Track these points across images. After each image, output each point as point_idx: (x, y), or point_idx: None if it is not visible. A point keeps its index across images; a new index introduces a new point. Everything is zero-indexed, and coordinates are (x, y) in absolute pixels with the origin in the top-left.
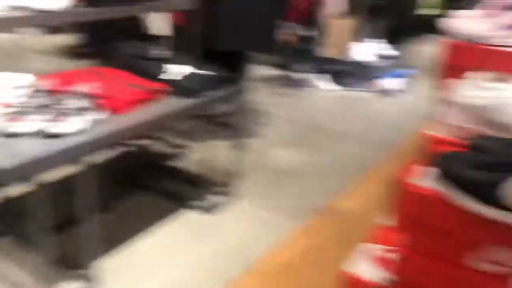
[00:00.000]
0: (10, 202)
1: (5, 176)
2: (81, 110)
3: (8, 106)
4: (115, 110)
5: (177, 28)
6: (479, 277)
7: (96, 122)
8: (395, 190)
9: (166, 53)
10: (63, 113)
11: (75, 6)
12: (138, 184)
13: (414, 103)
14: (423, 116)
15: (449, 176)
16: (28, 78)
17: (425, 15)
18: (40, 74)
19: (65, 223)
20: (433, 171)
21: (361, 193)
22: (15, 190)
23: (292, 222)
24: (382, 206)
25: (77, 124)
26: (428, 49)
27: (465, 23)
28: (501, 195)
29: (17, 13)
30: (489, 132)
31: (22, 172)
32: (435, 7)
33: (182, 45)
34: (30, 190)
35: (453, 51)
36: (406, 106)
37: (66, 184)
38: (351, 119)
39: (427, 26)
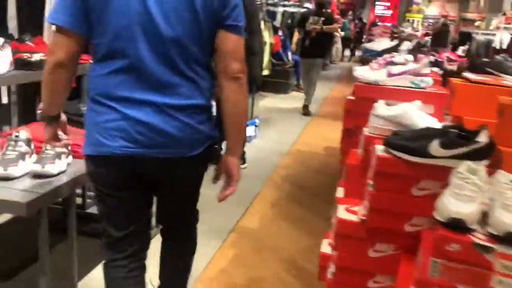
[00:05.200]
0: None
1: (24, 210)
2: (60, 155)
3: None
4: (80, 156)
5: None
6: (418, 200)
7: (70, 166)
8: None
9: None
10: (48, 158)
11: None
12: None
13: (267, 144)
14: (278, 153)
15: (394, 145)
16: None
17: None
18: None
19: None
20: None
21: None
22: None
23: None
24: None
25: (60, 167)
26: (264, 102)
27: (367, 73)
28: (427, 151)
29: None
30: (397, 129)
31: (34, 206)
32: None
33: None
34: None
35: (363, 89)
36: (262, 146)
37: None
38: None
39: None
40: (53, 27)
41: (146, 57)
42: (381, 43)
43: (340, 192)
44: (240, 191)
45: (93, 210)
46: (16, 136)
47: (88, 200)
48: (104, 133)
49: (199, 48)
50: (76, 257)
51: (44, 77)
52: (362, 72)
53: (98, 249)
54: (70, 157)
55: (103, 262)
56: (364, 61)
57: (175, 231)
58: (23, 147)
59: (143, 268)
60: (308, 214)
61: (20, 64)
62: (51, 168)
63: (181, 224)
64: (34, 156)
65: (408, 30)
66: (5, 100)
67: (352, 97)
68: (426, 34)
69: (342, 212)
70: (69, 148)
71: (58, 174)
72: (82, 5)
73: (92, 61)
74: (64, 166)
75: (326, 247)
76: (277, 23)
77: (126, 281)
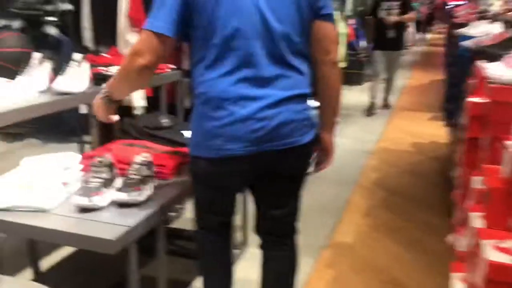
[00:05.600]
0: None
1: (111, 247)
2: (146, 179)
3: (66, 184)
4: (165, 177)
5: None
6: None
7: (156, 188)
8: None
9: (174, 121)
10: (132, 184)
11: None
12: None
13: (348, 143)
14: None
15: None
16: (74, 157)
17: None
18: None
19: None
20: None
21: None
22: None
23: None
24: None
25: (147, 192)
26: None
27: (506, 71)
28: None
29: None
30: None
31: (122, 242)
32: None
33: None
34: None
35: (502, 92)
36: (344, 145)
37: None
38: None
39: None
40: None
41: (259, 54)
42: (479, 27)
43: (476, 220)
44: (327, 198)
45: (178, 224)
46: (100, 162)
47: (170, 214)
48: (222, 135)
49: (302, 39)
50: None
51: (125, 74)
52: (498, 71)
53: (185, 269)
54: (156, 180)
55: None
56: (489, 56)
57: (277, 236)
58: (107, 173)
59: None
60: (406, 225)
61: (98, 79)
62: (138, 195)
63: (284, 225)
64: (118, 181)
65: (495, 7)
66: (84, 110)
67: (480, 100)
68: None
69: (491, 252)
70: (153, 170)
71: (145, 201)
72: (186, 10)
73: (195, 66)
74: (151, 191)
75: (459, 286)
76: (348, 11)
77: (220, 249)
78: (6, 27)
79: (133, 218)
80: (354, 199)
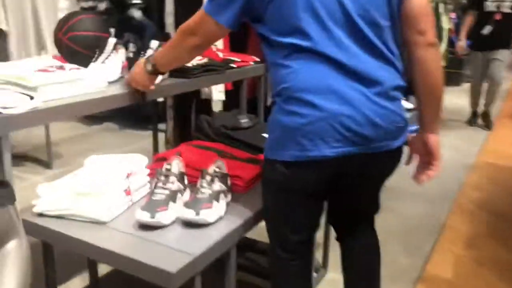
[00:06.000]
0: None
1: (171, 281)
2: (219, 194)
3: (129, 193)
4: (240, 190)
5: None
6: None
7: (229, 206)
8: None
9: (254, 121)
10: (203, 200)
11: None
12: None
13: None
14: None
15: None
16: (141, 161)
17: None
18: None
19: None
20: None
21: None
22: None
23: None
24: None
25: (218, 211)
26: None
27: None
28: None
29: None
30: None
31: (184, 276)
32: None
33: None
34: None
35: None
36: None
37: None
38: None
39: None
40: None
41: (343, 43)
42: None
43: None
44: (420, 218)
45: (250, 233)
46: (167, 170)
47: None
48: (309, 135)
49: (390, 23)
50: None
51: (175, 50)
52: None
53: None
54: (230, 195)
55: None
56: None
57: (357, 224)
58: (175, 184)
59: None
60: None
61: (173, 70)
62: (208, 215)
63: (363, 220)
64: (187, 193)
65: None
66: (160, 98)
67: None
68: None
69: None
70: (228, 183)
71: (216, 221)
72: (250, 2)
73: (272, 59)
74: (223, 210)
75: None
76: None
77: (298, 274)
78: (92, 8)
79: (200, 244)
80: (452, 222)
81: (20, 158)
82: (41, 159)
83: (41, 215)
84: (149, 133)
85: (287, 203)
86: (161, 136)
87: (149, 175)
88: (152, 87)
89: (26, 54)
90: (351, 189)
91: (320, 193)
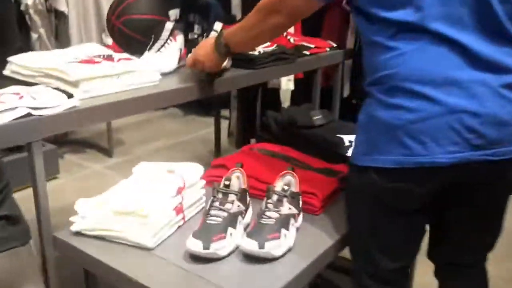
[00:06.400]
0: None
1: None
2: (288, 219)
3: (180, 210)
4: (314, 211)
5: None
6: None
7: (300, 232)
8: None
9: (328, 117)
10: (269, 229)
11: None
12: None
13: None
14: None
15: None
16: (196, 172)
17: None
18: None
19: None
20: None
21: None
22: None
23: None
24: None
25: (287, 241)
26: None
27: None
28: None
29: None
30: None
31: None
32: None
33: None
34: None
35: None
36: None
37: None
38: None
39: None
40: None
41: (465, 22)
42: None
43: None
44: None
45: None
46: (226, 186)
47: None
48: (418, 135)
49: None
50: None
51: (253, 30)
52: None
53: None
54: (300, 218)
55: None
56: None
57: (465, 264)
58: (234, 205)
59: None
60: None
61: (237, 59)
62: (274, 248)
63: (479, 252)
64: (249, 214)
65: None
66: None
67: None
68: None
69: None
70: (300, 204)
71: (282, 256)
72: None
73: (370, 37)
74: (292, 239)
75: None
76: None
77: None
78: None
79: (263, 284)
80: None
81: (80, 144)
82: (102, 146)
83: (78, 233)
84: (212, 120)
85: (382, 222)
86: (224, 125)
87: (204, 187)
88: (225, 67)
89: (87, 37)
90: (466, 205)
91: (425, 210)
